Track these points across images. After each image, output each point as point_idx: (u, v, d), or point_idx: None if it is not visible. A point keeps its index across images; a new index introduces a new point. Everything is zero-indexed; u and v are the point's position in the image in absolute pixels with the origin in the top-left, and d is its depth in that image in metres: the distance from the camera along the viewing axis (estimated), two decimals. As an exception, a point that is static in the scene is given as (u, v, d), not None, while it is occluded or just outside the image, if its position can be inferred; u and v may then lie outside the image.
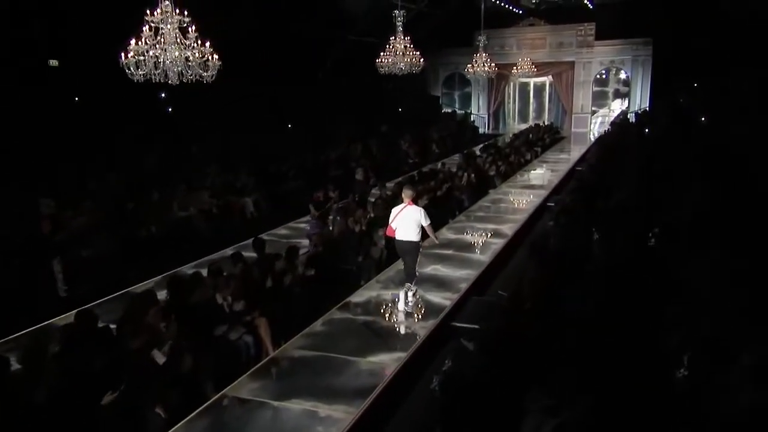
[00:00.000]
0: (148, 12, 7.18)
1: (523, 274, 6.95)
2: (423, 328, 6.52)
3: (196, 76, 7.57)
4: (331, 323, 6.67)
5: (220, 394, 5.12)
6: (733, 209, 6.49)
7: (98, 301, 7.08)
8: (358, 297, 7.41)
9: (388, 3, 15.61)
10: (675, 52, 20.16)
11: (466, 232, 10.33)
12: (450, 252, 9.12)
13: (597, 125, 26.27)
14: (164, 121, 14.45)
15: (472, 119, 27.46)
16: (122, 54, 7.32)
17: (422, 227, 6.92)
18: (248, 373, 5.51)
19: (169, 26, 7.16)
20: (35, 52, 11.81)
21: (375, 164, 15.46)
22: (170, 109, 14.64)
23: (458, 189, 12.62)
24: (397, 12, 14.41)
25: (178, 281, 6.38)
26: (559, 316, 4.35)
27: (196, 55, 7.40)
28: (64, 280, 7.57)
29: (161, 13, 7.16)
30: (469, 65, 21.08)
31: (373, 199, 10.91)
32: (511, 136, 23.98)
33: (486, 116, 28.32)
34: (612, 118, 25.12)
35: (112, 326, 5.73)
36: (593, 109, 26.55)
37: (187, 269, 8.16)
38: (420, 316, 6.84)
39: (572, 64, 25.83)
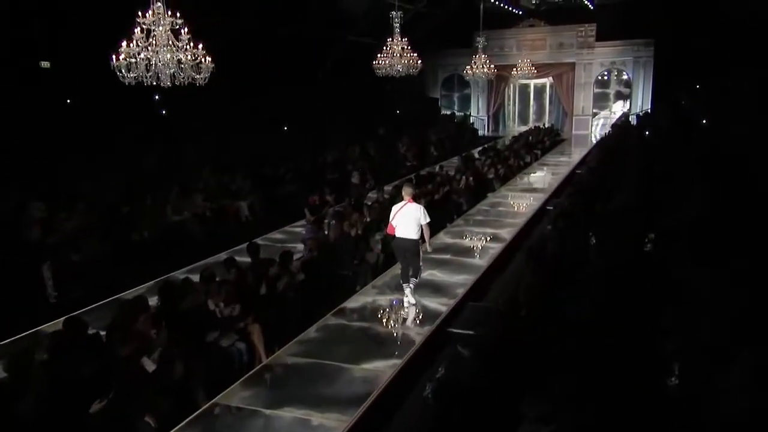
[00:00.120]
0: (139, 14, 7.18)
1: (520, 279, 6.95)
2: (419, 335, 6.51)
3: (188, 78, 7.58)
4: (325, 329, 6.66)
5: (211, 402, 5.11)
6: (733, 212, 6.50)
7: (89, 307, 7.07)
8: (354, 302, 7.40)
9: (387, 3, 15.64)
10: (676, 52, 20.23)
11: (464, 237, 10.34)
12: (447, 257, 9.12)
13: (599, 127, 26.28)
14: (158, 123, 14.44)
15: (471, 121, 27.49)
16: (113, 56, 7.32)
17: (421, 226, 7.04)
18: (240, 380, 5.50)
19: (161, 28, 7.16)
20: (27, 53, 11.81)
21: (373, 167, 15.46)
22: (164, 111, 14.62)
23: (456, 192, 12.63)
24: (394, 13, 14.42)
25: (170, 287, 6.37)
26: (555, 322, 4.35)
27: (189, 57, 7.40)
28: (53, 286, 7.54)
29: (153, 15, 7.15)
30: (468, 67, 21.13)
31: (369, 203, 10.89)
32: (510, 138, 24.00)
33: (485, 118, 28.36)
34: (613, 120, 25.15)
35: (103, 333, 5.72)
36: (594, 111, 26.58)
37: (181, 274, 8.13)
38: (417, 322, 6.83)
39: (573, 65, 25.88)
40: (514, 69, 24.80)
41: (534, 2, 26.23)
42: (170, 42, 7.26)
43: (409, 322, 6.86)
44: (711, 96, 18.44)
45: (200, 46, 7.69)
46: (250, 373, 5.68)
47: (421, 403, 4.82)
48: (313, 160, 15.40)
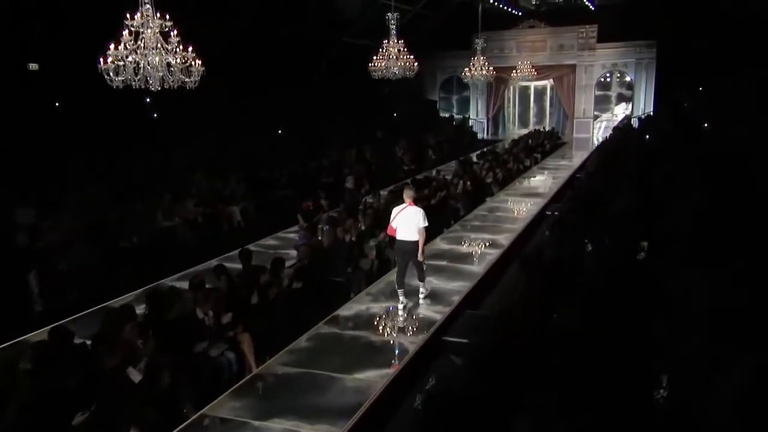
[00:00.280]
0: (128, 16, 7.19)
1: (515, 287, 6.96)
2: (413, 343, 6.50)
3: (178, 82, 7.59)
4: (317, 338, 6.66)
5: (199, 413, 5.09)
6: (733, 213, 6.51)
7: (77, 316, 7.06)
8: (347, 310, 7.39)
9: (383, 4, 15.69)
10: (678, 54, 20.30)
11: (461, 243, 10.33)
12: (443, 263, 9.12)
13: (601, 130, 26.32)
14: (150, 126, 14.46)
15: (470, 124, 27.55)
16: (100, 59, 7.33)
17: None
18: (230, 391, 5.49)
19: (149, 31, 7.17)
20: (15, 55, 11.83)
21: (369, 171, 15.47)
22: (156, 115, 14.64)
23: (453, 197, 12.63)
24: (390, 14, 14.46)
25: (157, 295, 6.36)
26: (549, 332, 4.36)
27: (178, 60, 7.41)
28: (40, 294, 7.53)
29: (142, 17, 7.17)
30: (466, 69, 21.18)
31: (364, 208, 10.89)
32: (510, 141, 24.03)
33: (485, 121, 28.42)
34: (615, 123, 25.19)
35: (90, 342, 5.70)
36: (596, 113, 26.63)
37: (172, 281, 8.13)
38: (415, 330, 6.83)
39: (573, 67, 25.95)
40: (514, 71, 24.88)
41: (534, 3, 26.32)
42: (159, 45, 7.27)
43: (403, 331, 6.85)
44: (712, 97, 18.52)
45: (190, 48, 7.70)
46: (240, 383, 5.66)
47: (413, 414, 4.81)
48: (307, 164, 15.41)
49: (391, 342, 6.64)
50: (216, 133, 14.90)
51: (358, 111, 21.05)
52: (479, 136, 27.09)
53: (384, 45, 15.06)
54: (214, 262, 8.72)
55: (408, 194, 7.45)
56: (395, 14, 14.58)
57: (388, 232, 7.72)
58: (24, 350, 5.45)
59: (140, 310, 6.24)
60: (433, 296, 7.77)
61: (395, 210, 7.46)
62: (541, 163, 20.01)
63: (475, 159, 18.03)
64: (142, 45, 7.23)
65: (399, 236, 7.35)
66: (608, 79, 26.29)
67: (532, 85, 27.46)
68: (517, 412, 3.57)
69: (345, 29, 19.85)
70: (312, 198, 11.40)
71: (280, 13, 15.81)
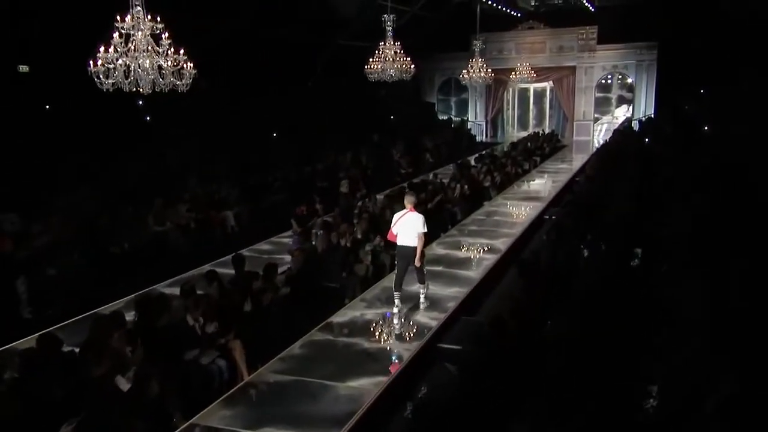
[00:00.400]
0: (118, 18, 7.19)
1: (512, 292, 6.98)
2: (407, 350, 6.51)
3: (169, 84, 7.60)
4: (311, 345, 6.66)
5: (188, 422, 5.09)
6: (733, 221, 6.54)
7: (66, 323, 7.05)
8: (341, 317, 7.40)
9: (380, 5, 15.71)
10: (679, 56, 20.37)
11: (458, 248, 10.35)
12: (440, 269, 9.13)
13: (602, 133, 26.35)
14: (141, 129, 14.45)
15: (468, 127, 27.58)
16: (90, 62, 7.33)
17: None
18: (220, 399, 5.49)
19: (140, 33, 7.18)
20: (5, 56, 11.84)
21: (365, 175, 15.48)
22: (148, 118, 14.64)
23: (451, 201, 12.65)
24: (386, 16, 14.48)
25: (146, 302, 6.35)
26: (543, 339, 4.37)
27: (170, 63, 7.42)
28: (28, 301, 7.53)
29: (132, 19, 7.17)
30: (465, 70, 21.22)
31: (358, 212, 10.90)
32: (509, 144, 24.06)
33: (483, 123, 28.43)
34: (616, 126, 25.23)
35: (78, 350, 5.70)
36: (596, 116, 26.67)
37: (163, 287, 8.13)
38: (409, 337, 6.84)
39: (573, 69, 25.97)
40: (513, 73, 24.93)
41: (533, 4, 26.38)
42: (150, 47, 7.28)
43: (398, 338, 6.86)
44: (713, 99, 18.59)
45: (181, 51, 7.71)
46: (231, 391, 5.66)
47: (405, 423, 4.82)
48: (302, 168, 15.41)
49: (386, 349, 6.65)
50: (209, 136, 14.89)
51: (354, 114, 21.06)
52: (478, 138, 27.12)
53: (380, 47, 15.07)
54: (206, 268, 8.70)
55: (409, 200, 7.54)
56: (392, 16, 14.58)
57: (388, 237, 7.79)
58: (11, 358, 5.44)
59: (130, 317, 6.23)
60: (430, 302, 7.79)
61: (396, 216, 7.55)
62: (541, 166, 20.05)
63: (473, 162, 18.04)
64: (133, 48, 7.25)
65: (400, 242, 7.45)
66: (609, 81, 26.33)
67: (532, 87, 27.50)
68: (510, 418, 3.58)
69: (341, 31, 19.87)
70: (306, 202, 11.39)
71: (275, 14, 15.83)
